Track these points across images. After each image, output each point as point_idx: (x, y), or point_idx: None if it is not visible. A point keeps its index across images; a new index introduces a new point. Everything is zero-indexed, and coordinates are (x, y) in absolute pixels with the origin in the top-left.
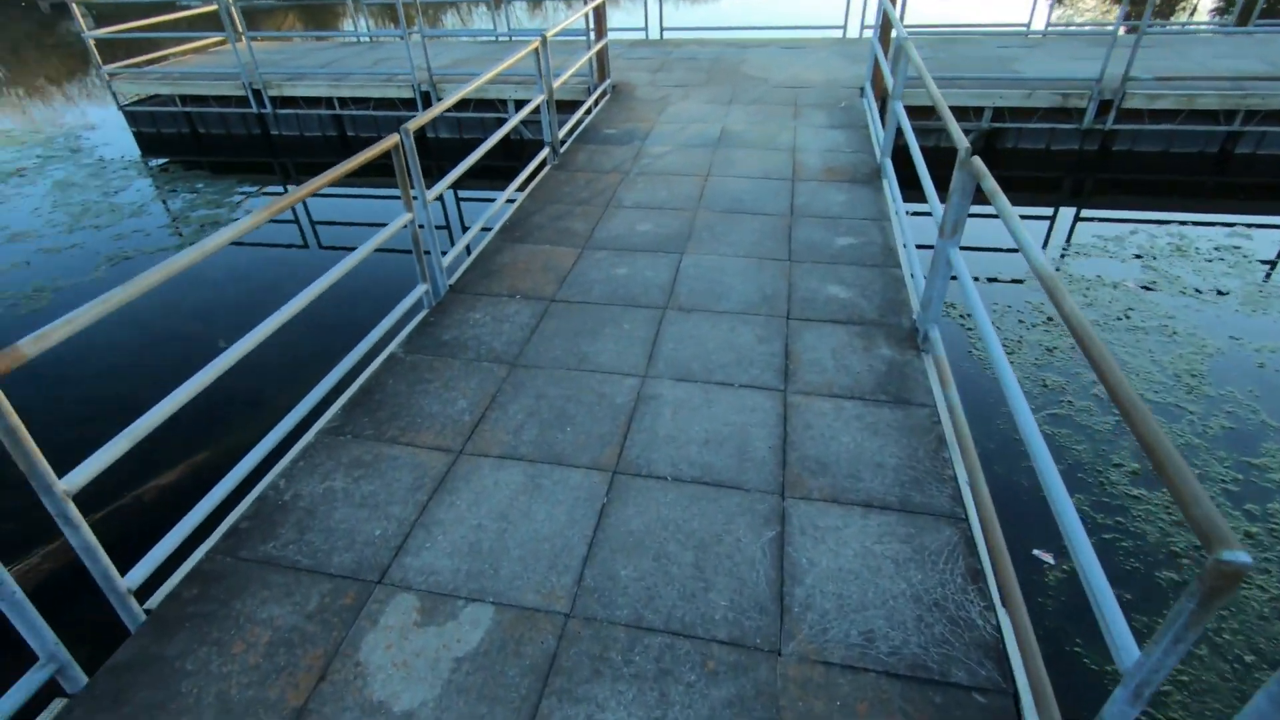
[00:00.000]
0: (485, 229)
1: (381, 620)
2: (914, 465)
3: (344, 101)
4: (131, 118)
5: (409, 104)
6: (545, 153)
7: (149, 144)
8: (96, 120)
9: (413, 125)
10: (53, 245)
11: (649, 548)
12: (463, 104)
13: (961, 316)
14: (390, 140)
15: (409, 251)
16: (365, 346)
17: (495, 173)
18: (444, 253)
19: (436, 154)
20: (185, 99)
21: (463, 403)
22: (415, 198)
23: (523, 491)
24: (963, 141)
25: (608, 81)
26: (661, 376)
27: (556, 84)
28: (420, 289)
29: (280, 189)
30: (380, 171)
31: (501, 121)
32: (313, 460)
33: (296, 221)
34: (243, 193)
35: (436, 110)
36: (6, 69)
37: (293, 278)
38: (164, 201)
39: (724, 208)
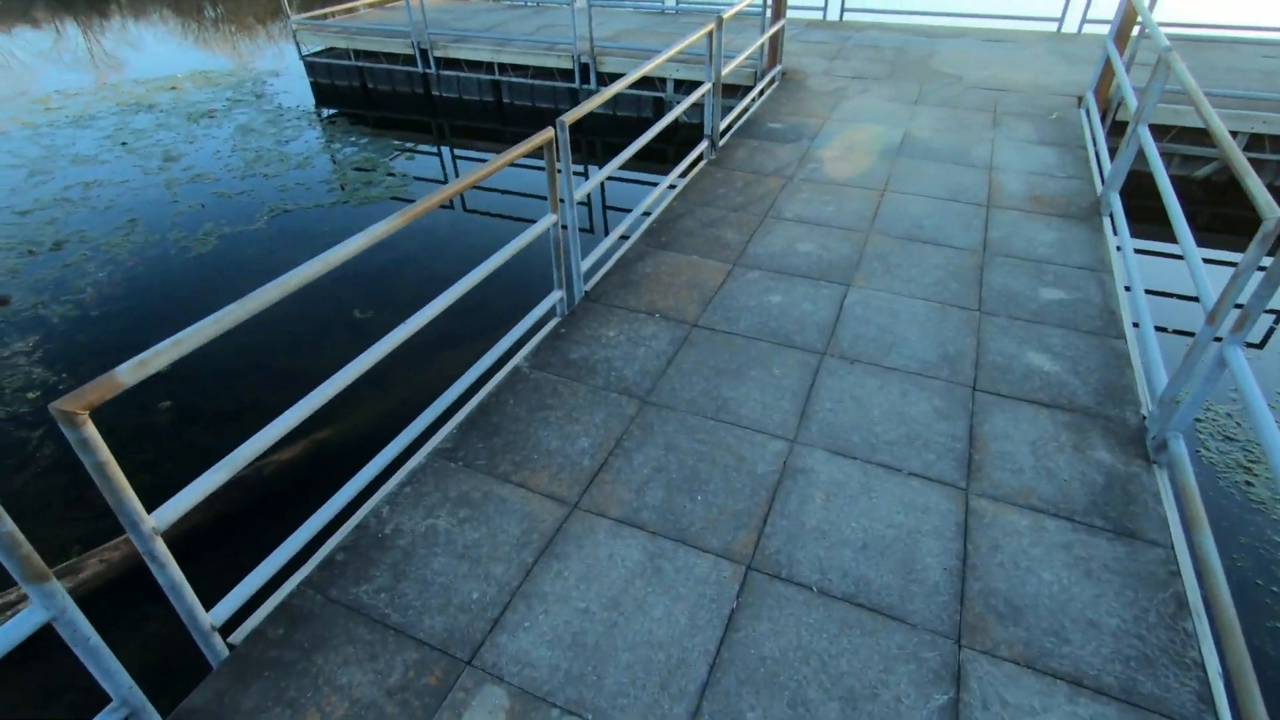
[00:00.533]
0: (623, 237)
1: (465, 717)
2: (1142, 633)
3: (503, 68)
4: (310, 68)
5: (567, 75)
6: (703, 146)
7: (323, 95)
8: (281, 68)
9: (569, 118)
10: (226, 190)
11: (784, 686)
12: (616, 75)
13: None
14: (544, 135)
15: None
16: (490, 359)
17: (643, 153)
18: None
19: (588, 128)
20: (358, 54)
21: (585, 441)
22: (562, 200)
23: (640, 574)
24: (1272, 207)
25: (778, 68)
26: (813, 445)
27: (726, 70)
28: (555, 296)
29: (434, 150)
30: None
31: (660, 103)
32: (420, 488)
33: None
34: (399, 149)
35: (592, 104)
36: (221, 11)
37: (420, 272)
38: (331, 156)
39: (901, 233)
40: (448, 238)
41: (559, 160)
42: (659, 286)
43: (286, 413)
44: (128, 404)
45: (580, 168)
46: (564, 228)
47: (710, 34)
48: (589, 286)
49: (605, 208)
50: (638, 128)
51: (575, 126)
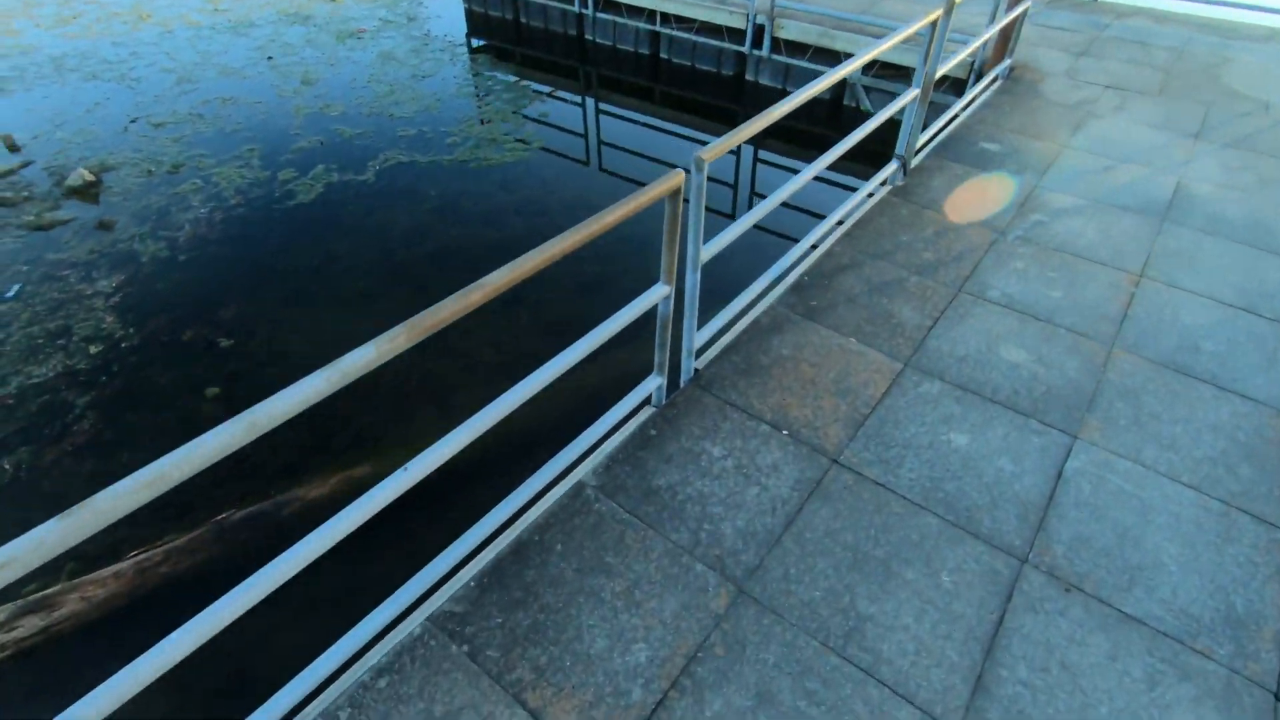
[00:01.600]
0: (759, 296)
1: None
2: None
3: (665, 18)
4: None
5: (737, 35)
6: (890, 170)
7: (475, 24)
8: None
9: (709, 154)
10: (348, 127)
11: None
12: (795, 44)
13: None
14: (671, 180)
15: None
16: (550, 473)
17: (805, 137)
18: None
19: (751, 97)
20: None
21: (642, 652)
22: (684, 259)
23: None
24: None
25: (1006, 63)
26: None
27: (943, 69)
28: (652, 383)
29: (578, 101)
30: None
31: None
32: (400, 685)
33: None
34: (539, 93)
35: (740, 136)
36: None
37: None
38: (464, 100)
39: (1163, 355)
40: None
41: (685, 214)
42: (795, 381)
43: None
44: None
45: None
46: (679, 296)
47: (934, 23)
48: (701, 363)
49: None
50: (809, 110)
51: (733, 93)
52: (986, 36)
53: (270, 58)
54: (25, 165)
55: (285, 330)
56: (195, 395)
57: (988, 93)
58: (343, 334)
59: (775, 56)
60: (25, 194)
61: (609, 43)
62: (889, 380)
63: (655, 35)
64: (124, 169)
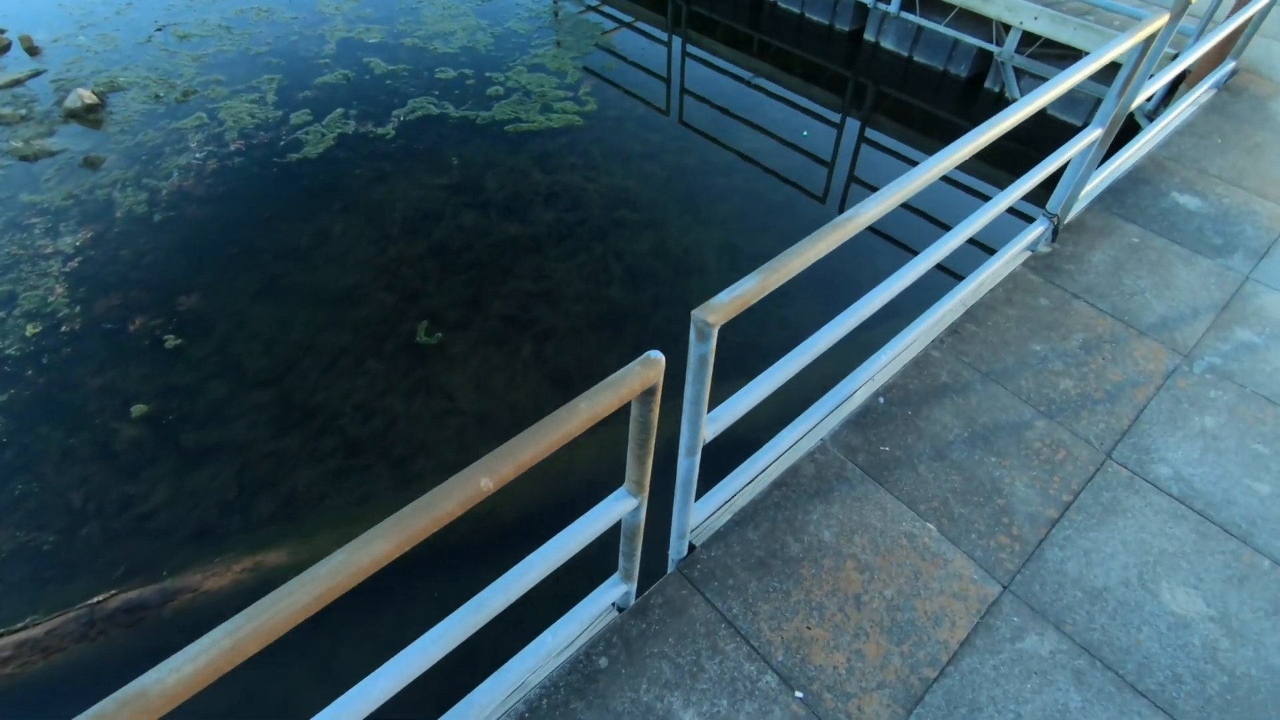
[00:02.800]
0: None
1: None
2: None
3: None
4: None
5: None
6: (1034, 234)
7: None
8: None
9: (717, 315)
10: (382, 62)
11: None
12: (936, 3)
13: None
14: (643, 376)
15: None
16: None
17: (922, 119)
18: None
19: (867, 64)
20: None
21: None
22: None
23: None
24: None
25: (1227, 67)
26: None
27: (1142, 96)
28: (614, 591)
29: (663, 40)
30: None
31: (985, 62)
32: None
33: None
34: (619, 22)
35: (756, 290)
36: None
37: None
38: (522, 34)
39: None
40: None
41: (700, 372)
42: (832, 594)
43: None
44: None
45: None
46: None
47: (1148, 40)
48: (700, 536)
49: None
50: (937, 88)
51: (847, 57)
52: (1203, 50)
53: None
54: (35, 75)
55: (245, 334)
56: (120, 413)
57: (1192, 110)
58: (308, 349)
59: (906, 14)
60: (24, 112)
61: None
62: (975, 615)
63: None
64: (132, 91)
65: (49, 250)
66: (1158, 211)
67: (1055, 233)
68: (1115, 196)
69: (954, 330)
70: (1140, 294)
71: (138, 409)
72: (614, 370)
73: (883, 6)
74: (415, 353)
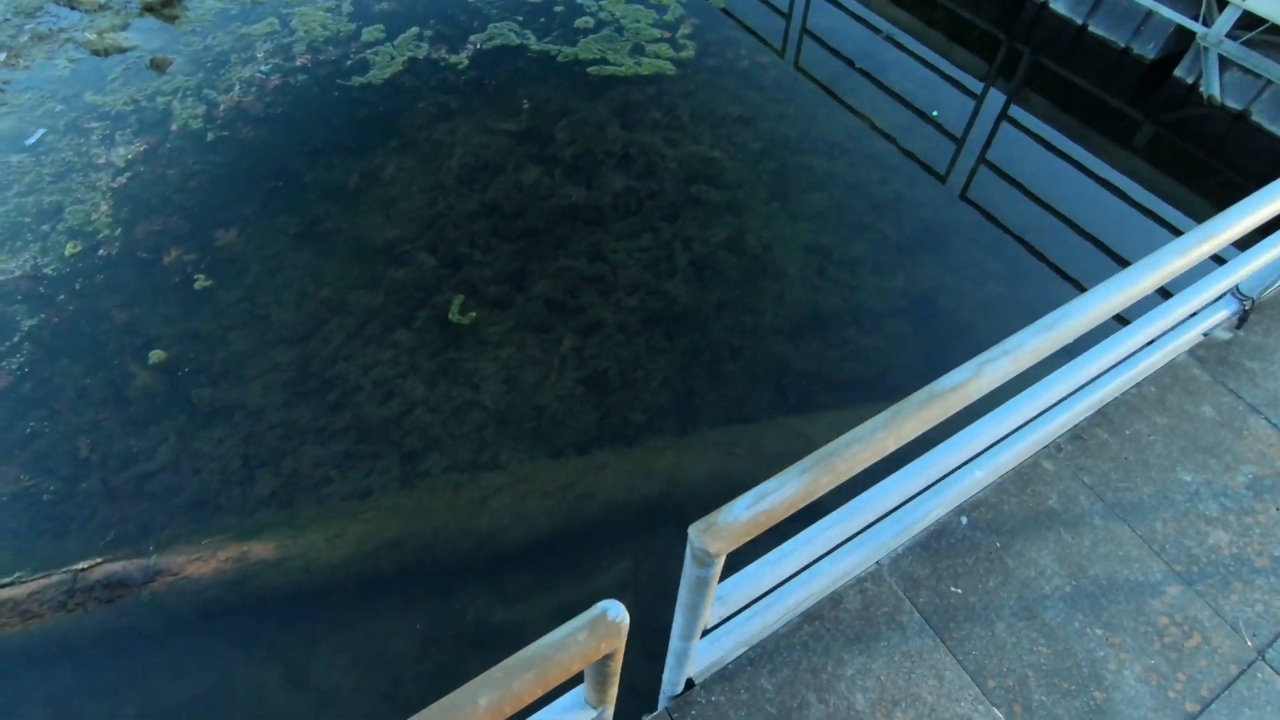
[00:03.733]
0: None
1: None
2: None
3: None
4: None
5: None
6: (1214, 320)
7: None
8: None
9: (718, 542)
10: None
11: None
12: None
13: None
14: (594, 644)
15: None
16: None
17: (1068, 97)
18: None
19: (1027, 29)
20: None
21: None
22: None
23: None
24: None
25: None
26: None
27: None
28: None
29: None
30: None
31: (1183, 36)
32: None
33: None
34: None
35: (767, 516)
36: None
37: None
38: None
39: None
40: None
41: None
42: None
43: None
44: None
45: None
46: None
47: None
48: (701, 672)
49: None
50: (1112, 68)
51: (1001, 18)
52: None
53: None
54: None
55: (276, 282)
56: (139, 356)
57: None
58: (337, 309)
59: None
60: (103, 0)
61: None
62: None
63: None
64: None
65: (101, 160)
66: None
67: (1243, 317)
68: None
69: (1077, 435)
70: None
71: (156, 354)
72: (657, 382)
73: None
74: (447, 331)
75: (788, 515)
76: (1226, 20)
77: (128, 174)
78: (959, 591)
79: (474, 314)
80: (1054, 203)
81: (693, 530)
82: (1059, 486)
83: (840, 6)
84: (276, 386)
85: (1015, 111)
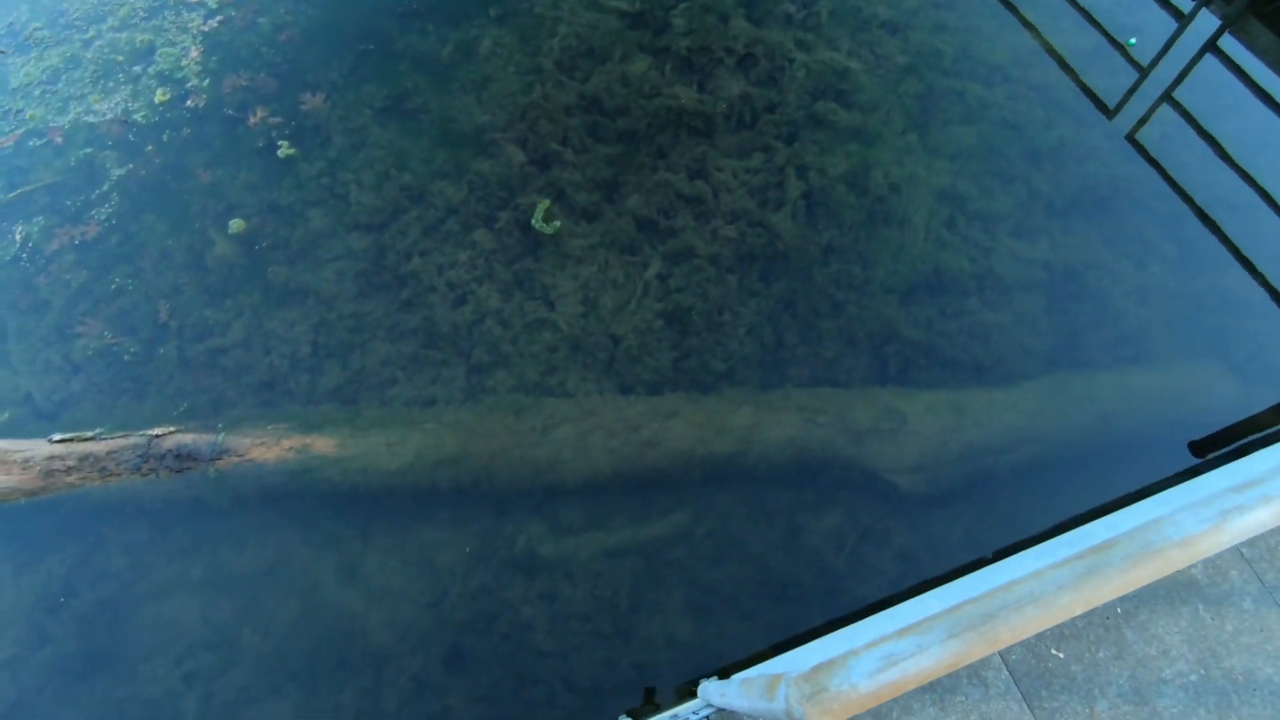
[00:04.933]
0: None
1: None
2: None
3: None
4: None
5: None
6: None
7: None
8: None
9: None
10: None
11: None
12: None
13: None
14: None
15: None
16: None
17: None
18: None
19: None
20: None
21: None
22: None
23: None
24: None
25: None
26: None
27: None
28: None
29: None
30: None
31: None
32: None
33: None
34: None
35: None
36: None
37: None
38: None
39: None
40: None
41: None
42: None
43: None
44: None
45: None
46: None
47: None
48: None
49: None
50: None
51: None
52: None
53: None
54: None
55: (359, 160)
56: (219, 223)
57: None
58: (418, 198)
59: None
60: None
61: None
62: None
63: None
64: None
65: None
66: None
67: None
68: None
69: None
70: None
71: (236, 224)
72: (745, 329)
73: None
74: (528, 237)
75: (921, 685)
76: None
77: (219, 17)
78: (1061, 656)
79: (558, 223)
80: (1259, 175)
81: (792, 692)
82: (1209, 554)
83: None
84: (350, 275)
85: (1228, 43)
